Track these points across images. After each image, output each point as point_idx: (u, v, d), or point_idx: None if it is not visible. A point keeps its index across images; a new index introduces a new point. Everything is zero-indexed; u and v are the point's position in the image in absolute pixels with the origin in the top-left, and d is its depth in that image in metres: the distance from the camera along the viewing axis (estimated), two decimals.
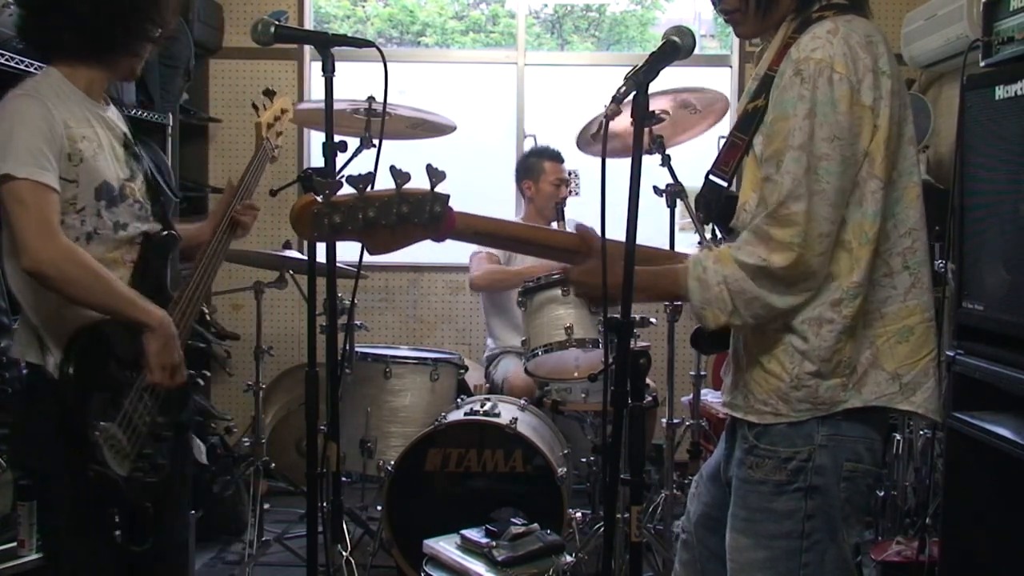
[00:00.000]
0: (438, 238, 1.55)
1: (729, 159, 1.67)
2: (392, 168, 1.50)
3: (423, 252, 4.82)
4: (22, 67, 2.87)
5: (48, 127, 1.92)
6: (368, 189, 1.48)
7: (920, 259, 1.55)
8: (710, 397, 4.31)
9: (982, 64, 2.67)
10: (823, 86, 1.48)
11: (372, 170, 1.79)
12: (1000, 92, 2.51)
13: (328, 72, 2.16)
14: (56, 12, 1.99)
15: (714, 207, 1.68)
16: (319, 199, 1.45)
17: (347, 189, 1.51)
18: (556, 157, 4.23)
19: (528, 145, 4.87)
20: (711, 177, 1.70)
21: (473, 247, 3.98)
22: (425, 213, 1.49)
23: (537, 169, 4.21)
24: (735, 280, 1.51)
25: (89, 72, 2.06)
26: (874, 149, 1.51)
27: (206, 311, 4.16)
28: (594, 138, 3.51)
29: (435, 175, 1.50)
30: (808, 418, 1.54)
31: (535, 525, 2.78)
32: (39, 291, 1.97)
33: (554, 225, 3.90)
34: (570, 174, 4.24)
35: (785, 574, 1.56)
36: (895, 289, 1.54)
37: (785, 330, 1.56)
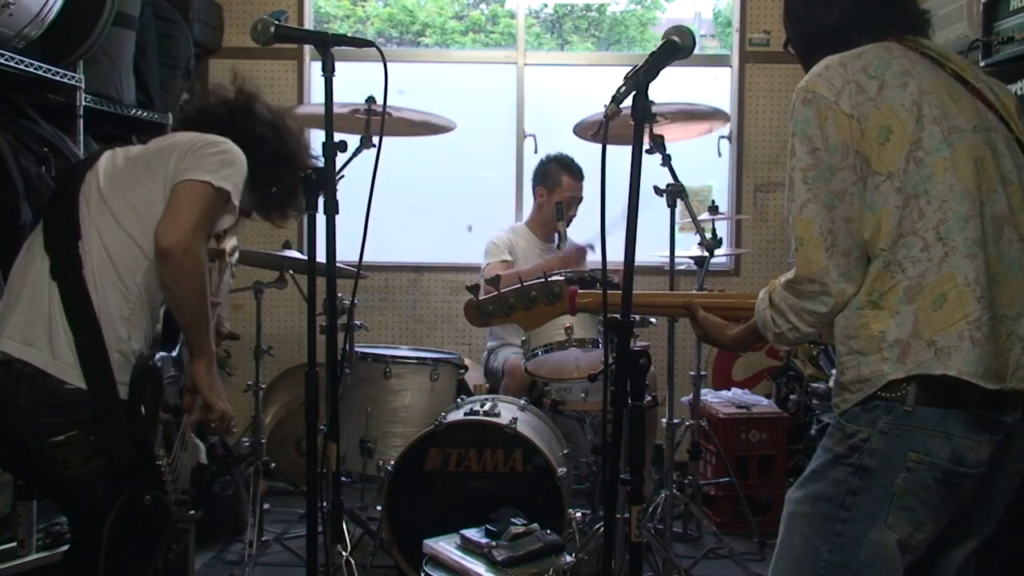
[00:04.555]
0: (571, 312, 2.05)
1: None
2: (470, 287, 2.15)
3: (423, 252, 4.86)
4: (22, 67, 2.88)
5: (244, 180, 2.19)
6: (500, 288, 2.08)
7: (952, 227, 1.57)
8: (710, 397, 4.32)
9: (982, 64, 2.67)
10: (799, 107, 1.63)
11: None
12: None
13: (328, 72, 2.16)
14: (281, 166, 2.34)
15: None
16: (475, 299, 2.06)
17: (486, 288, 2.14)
18: (578, 174, 4.13)
19: (528, 145, 4.88)
20: None
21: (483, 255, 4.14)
22: (551, 295, 2.03)
23: (555, 180, 4.13)
24: (782, 299, 1.66)
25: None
26: (865, 148, 1.59)
27: None
28: (594, 137, 3.53)
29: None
30: (865, 396, 1.60)
31: (535, 525, 2.77)
32: (130, 318, 2.07)
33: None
34: None
35: (819, 533, 1.64)
36: (931, 261, 1.58)
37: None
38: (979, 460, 1.57)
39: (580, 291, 2.04)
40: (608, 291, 1.82)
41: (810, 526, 1.65)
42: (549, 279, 2.03)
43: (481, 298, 2.06)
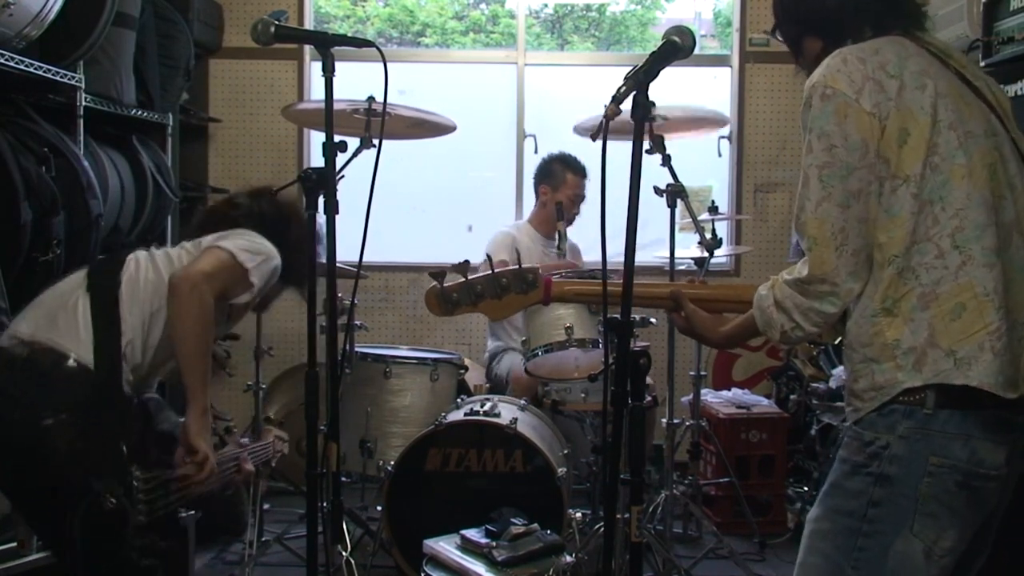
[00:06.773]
0: (544, 302, 1.93)
1: None
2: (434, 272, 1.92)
3: (423, 252, 4.85)
4: (21, 67, 2.87)
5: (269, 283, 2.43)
6: (469, 273, 1.90)
7: (969, 236, 1.56)
8: (710, 397, 4.32)
9: (982, 64, 2.67)
10: (817, 102, 1.59)
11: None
12: None
13: (328, 72, 2.16)
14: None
15: None
16: (438, 286, 1.88)
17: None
18: (581, 172, 4.13)
19: (528, 145, 4.88)
20: None
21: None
22: (523, 283, 1.90)
23: (559, 178, 4.13)
24: (787, 297, 1.63)
25: None
26: (886, 149, 1.56)
27: None
28: (594, 138, 3.53)
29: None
30: (879, 405, 1.57)
31: (535, 525, 2.78)
32: (145, 324, 2.26)
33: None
34: None
35: (842, 549, 1.59)
36: (947, 269, 1.56)
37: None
38: (997, 462, 1.55)
39: (555, 280, 1.93)
40: (597, 282, 1.77)
41: (831, 542, 1.61)
42: (524, 267, 1.91)
43: (446, 285, 1.89)
